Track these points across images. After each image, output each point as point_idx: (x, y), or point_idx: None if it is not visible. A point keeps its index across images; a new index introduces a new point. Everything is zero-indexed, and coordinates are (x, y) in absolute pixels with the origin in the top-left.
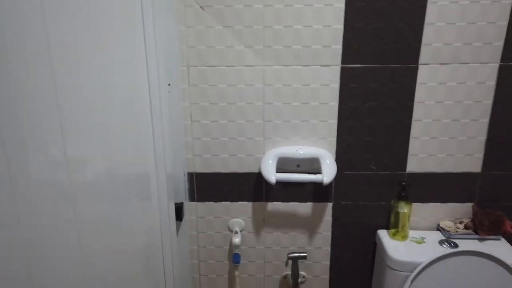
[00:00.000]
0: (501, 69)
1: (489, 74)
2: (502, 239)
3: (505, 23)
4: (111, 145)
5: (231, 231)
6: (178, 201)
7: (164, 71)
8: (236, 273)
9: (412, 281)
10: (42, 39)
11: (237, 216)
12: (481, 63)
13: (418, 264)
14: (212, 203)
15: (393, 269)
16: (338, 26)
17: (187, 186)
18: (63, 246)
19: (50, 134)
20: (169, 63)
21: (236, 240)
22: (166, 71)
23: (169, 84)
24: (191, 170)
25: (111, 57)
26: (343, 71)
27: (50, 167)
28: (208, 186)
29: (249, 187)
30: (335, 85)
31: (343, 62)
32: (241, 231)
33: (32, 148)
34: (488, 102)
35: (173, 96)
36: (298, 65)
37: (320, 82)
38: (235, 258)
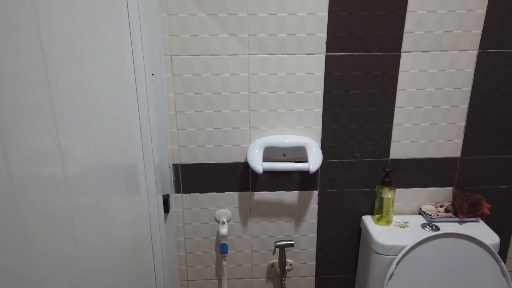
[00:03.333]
0: (479, 56)
1: (468, 61)
2: (481, 221)
3: (483, 10)
4: (99, 136)
5: (218, 221)
6: (164, 193)
7: (148, 60)
8: (224, 263)
9: (397, 264)
10: (33, 29)
11: (224, 207)
12: (460, 50)
13: (402, 248)
14: (198, 194)
15: (378, 253)
16: (323, 14)
17: (172, 177)
18: (59, 236)
19: (43, 126)
20: (152, 52)
21: (223, 230)
22: (150, 60)
23: (152, 74)
24: (176, 162)
25: (97, 46)
26: (328, 59)
27: (41, 159)
28: (194, 177)
29: (235, 177)
30: (320, 73)
31: (327, 50)
32: (228, 221)
33: (24, 140)
34: (467, 88)
35: (156, 86)
36: (283, 54)
37: (305, 71)
38: (222, 249)
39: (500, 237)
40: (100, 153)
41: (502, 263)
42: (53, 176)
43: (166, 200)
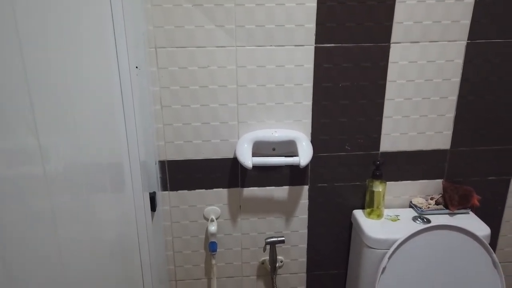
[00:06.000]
0: (468, 47)
1: (457, 51)
2: (471, 212)
3: (472, 0)
4: (82, 133)
5: (207, 219)
6: (151, 191)
7: (132, 52)
8: (213, 261)
9: (389, 258)
10: (10, 20)
11: (213, 204)
12: (449, 41)
13: (394, 241)
14: (186, 191)
15: (370, 247)
16: (311, 4)
17: (159, 175)
18: (38, 238)
19: (22, 124)
20: (136, 44)
21: (212, 228)
22: (134, 53)
23: (136, 67)
24: (163, 158)
25: (79, 40)
26: (317, 50)
27: (19, 159)
28: (181, 174)
29: (224, 173)
30: (309, 65)
31: (316, 41)
32: (217, 219)
33: (2, 138)
34: (456, 79)
35: (141, 79)
36: (271, 45)
37: (294, 63)
38: (211, 247)
39: (490, 228)
40: (83, 151)
41: (494, 254)
42: (32, 176)
43: (152, 198)
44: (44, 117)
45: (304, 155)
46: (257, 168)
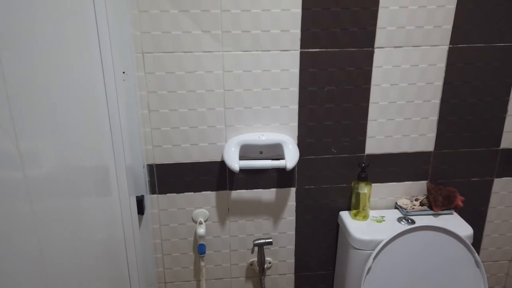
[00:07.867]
0: (450, 51)
1: (439, 56)
2: (454, 213)
3: (453, 6)
4: (65, 137)
5: (195, 222)
6: (139, 194)
7: (118, 57)
8: (202, 264)
9: (374, 258)
10: None
11: (201, 207)
12: (431, 45)
13: (379, 242)
14: (174, 194)
15: (356, 248)
16: (296, 10)
17: (147, 178)
18: (19, 244)
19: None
20: (122, 49)
21: (201, 230)
22: (120, 58)
23: (124, 72)
24: (151, 162)
25: (61, 44)
26: (303, 55)
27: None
28: (170, 177)
29: (212, 176)
30: (295, 70)
31: (302, 46)
32: (205, 221)
33: None
34: (439, 83)
35: (128, 84)
36: (257, 51)
37: (280, 68)
38: (200, 249)
39: (473, 229)
40: (67, 155)
41: (476, 254)
42: (11, 181)
43: (140, 201)
44: (24, 121)
45: (291, 158)
46: (244, 171)
